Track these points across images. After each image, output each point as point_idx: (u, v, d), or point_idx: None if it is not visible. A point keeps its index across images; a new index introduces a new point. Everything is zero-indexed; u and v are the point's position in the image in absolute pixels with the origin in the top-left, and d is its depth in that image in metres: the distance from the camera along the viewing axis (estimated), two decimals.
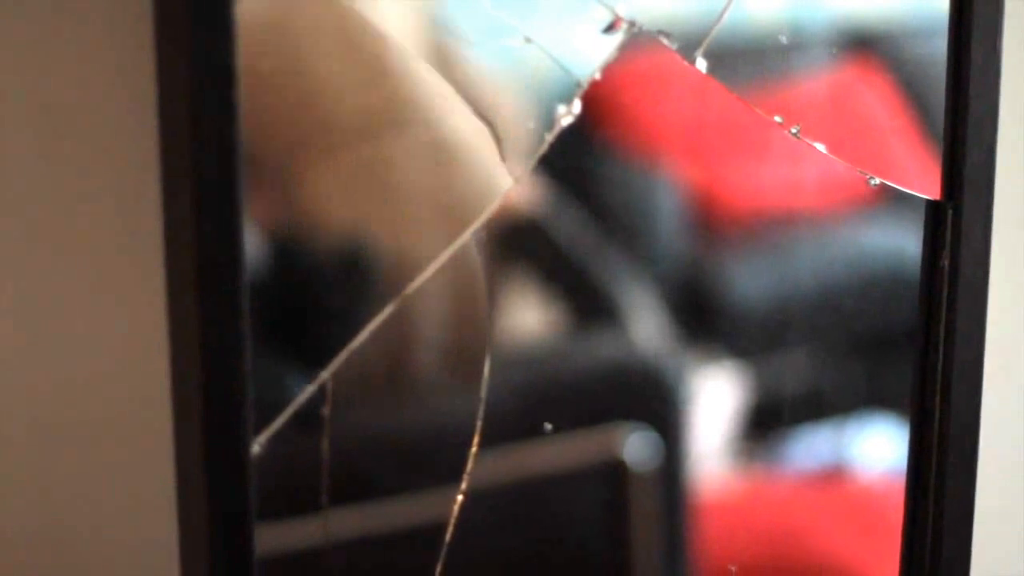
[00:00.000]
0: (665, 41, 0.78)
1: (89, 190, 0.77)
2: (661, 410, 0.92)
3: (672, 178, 0.86)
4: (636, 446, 0.93)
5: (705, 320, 0.92)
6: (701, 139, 0.84)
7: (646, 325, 0.89)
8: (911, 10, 0.90)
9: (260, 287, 0.73)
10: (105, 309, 0.78)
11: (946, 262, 0.81)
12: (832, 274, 0.93)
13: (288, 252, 0.75)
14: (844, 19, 0.87)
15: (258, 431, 0.72)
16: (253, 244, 0.72)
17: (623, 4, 0.77)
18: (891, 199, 0.86)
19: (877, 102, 0.88)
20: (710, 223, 0.88)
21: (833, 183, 0.86)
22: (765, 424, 0.98)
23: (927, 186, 0.84)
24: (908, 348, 0.90)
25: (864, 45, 0.88)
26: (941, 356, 0.81)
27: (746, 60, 0.82)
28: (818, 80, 0.85)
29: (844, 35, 0.87)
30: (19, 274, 0.77)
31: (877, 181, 0.82)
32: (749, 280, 0.92)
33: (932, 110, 0.88)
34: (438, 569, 0.80)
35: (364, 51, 0.74)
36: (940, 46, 0.86)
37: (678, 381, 0.93)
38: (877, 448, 1.01)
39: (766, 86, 0.82)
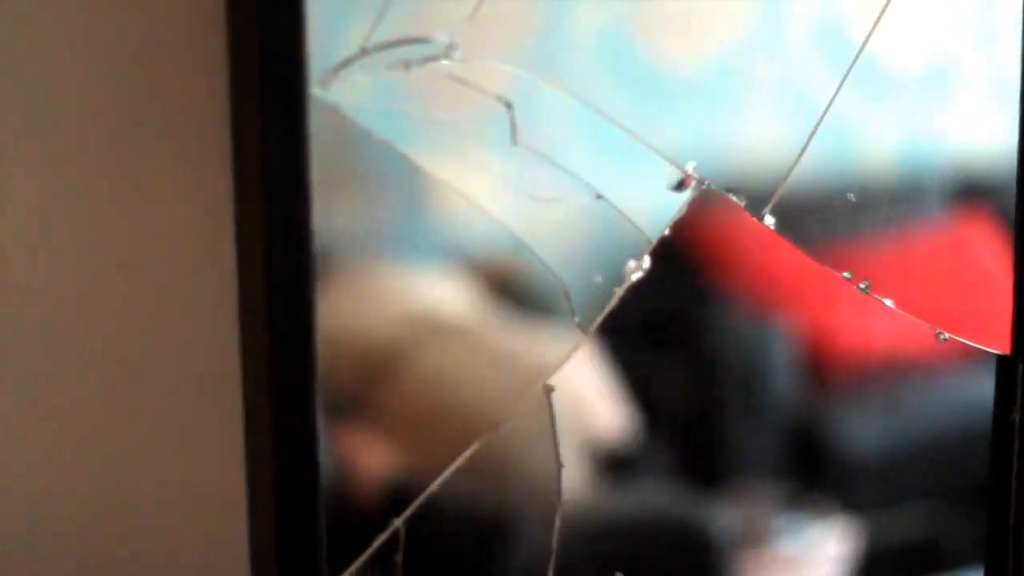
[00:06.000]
0: (734, 198, 0.79)
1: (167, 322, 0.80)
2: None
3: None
4: None
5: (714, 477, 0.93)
6: (771, 293, 0.85)
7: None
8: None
9: (335, 438, 0.74)
10: (184, 458, 0.80)
11: (1017, 416, 0.81)
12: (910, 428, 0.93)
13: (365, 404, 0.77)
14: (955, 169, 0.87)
15: None
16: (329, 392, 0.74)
17: (692, 162, 0.79)
18: (964, 353, 0.85)
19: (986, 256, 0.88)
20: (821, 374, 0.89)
21: (898, 335, 0.86)
22: None
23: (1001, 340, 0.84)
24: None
25: (973, 196, 0.88)
26: (1013, 511, 0.81)
27: (815, 216, 0.83)
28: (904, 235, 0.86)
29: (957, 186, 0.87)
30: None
31: (946, 336, 0.82)
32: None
33: None
34: None
35: None
36: None
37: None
38: None
39: (835, 241, 0.84)
